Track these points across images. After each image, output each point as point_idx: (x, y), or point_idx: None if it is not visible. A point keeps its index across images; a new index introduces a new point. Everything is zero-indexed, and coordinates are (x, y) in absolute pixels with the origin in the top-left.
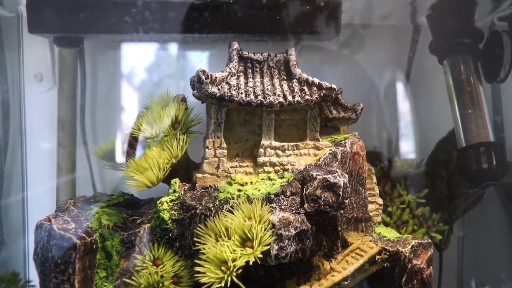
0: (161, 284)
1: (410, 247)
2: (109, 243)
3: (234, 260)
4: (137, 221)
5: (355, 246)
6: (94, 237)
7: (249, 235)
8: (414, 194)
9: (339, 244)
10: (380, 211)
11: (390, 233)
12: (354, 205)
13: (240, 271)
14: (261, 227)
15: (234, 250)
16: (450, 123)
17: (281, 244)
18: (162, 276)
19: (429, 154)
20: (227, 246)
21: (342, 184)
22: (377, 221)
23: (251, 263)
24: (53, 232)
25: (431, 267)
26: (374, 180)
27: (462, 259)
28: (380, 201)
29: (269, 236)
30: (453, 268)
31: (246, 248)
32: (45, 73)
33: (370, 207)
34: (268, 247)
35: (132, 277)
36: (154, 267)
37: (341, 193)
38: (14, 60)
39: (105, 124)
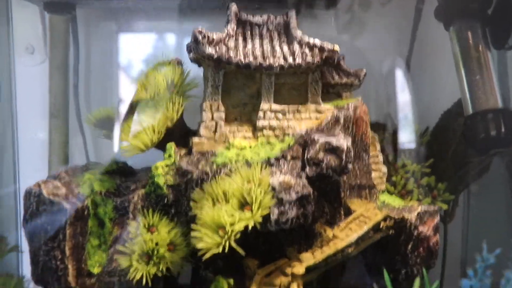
0: (156, 252)
1: (416, 213)
2: (102, 209)
3: (232, 224)
4: (131, 187)
5: (358, 213)
6: (85, 203)
7: (248, 198)
8: (419, 163)
9: (342, 211)
10: (384, 179)
11: (395, 201)
12: (358, 172)
13: (238, 236)
14: (261, 190)
15: (232, 214)
16: (456, 92)
17: (282, 208)
18: (157, 244)
19: (434, 125)
20: (225, 210)
21: (345, 148)
22: (381, 189)
23: (250, 228)
24: (42, 197)
25: (437, 235)
26: (378, 147)
27: (467, 229)
28: (384, 169)
29: (269, 199)
30: (458, 240)
31: (245, 212)
32: (36, 45)
33: (374, 175)
34: (268, 211)
35: (126, 245)
36: (149, 234)
37: (344, 156)
38: (3, 31)
39: (100, 98)
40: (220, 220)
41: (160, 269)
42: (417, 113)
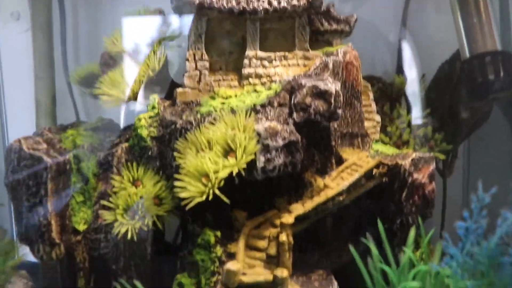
0: (141, 206)
1: (410, 160)
2: (85, 164)
3: (216, 172)
4: (115, 142)
5: (350, 162)
6: (67, 157)
7: (232, 145)
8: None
9: (333, 160)
10: (378, 128)
11: (389, 150)
12: (349, 120)
13: (222, 184)
14: (245, 136)
15: (216, 162)
16: (454, 43)
17: (268, 155)
18: (141, 197)
19: (432, 77)
20: (208, 158)
21: (333, 91)
22: (375, 139)
23: (234, 174)
24: (23, 152)
25: (433, 183)
26: (371, 96)
27: (468, 182)
28: (378, 118)
29: (254, 145)
30: (458, 194)
31: (229, 159)
32: (22, 11)
33: (367, 124)
34: (253, 157)
35: (110, 199)
36: (134, 188)
37: (333, 101)
38: None
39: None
40: (204, 168)
41: (146, 223)
42: (414, 64)
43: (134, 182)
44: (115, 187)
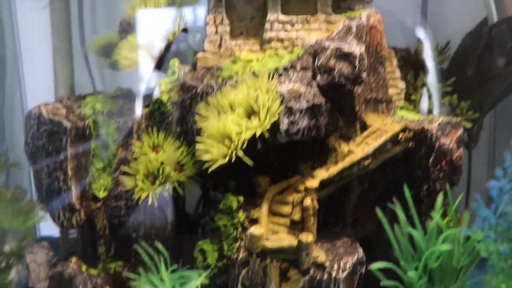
0: (161, 171)
1: (437, 124)
2: (105, 130)
3: (239, 133)
4: (134, 108)
5: (375, 127)
6: (86, 122)
7: (255, 107)
8: (440, 82)
9: (358, 126)
10: (402, 95)
11: (415, 116)
12: (373, 85)
13: (245, 146)
14: (269, 97)
15: (239, 124)
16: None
17: (292, 118)
18: (162, 163)
19: (457, 47)
20: (231, 119)
21: (358, 54)
22: (399, 106)
23: (257, 135)
24: (42, 118)
25: (461, 149)
26: (395, 63)
27: (494, 155)
28: (402, 84)
29: (278, 105)
30: (484, 165)
31: (252, 120)
32: None
33: (391, 91)
34: (276, 117)
35: (130, 166)
36: (154, 153)
37: (357, 63)
38: None
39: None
40: (226, 129)
41: (166, 189)
42: (437, 32)
43: (155, 148)
44: (136, 153)
